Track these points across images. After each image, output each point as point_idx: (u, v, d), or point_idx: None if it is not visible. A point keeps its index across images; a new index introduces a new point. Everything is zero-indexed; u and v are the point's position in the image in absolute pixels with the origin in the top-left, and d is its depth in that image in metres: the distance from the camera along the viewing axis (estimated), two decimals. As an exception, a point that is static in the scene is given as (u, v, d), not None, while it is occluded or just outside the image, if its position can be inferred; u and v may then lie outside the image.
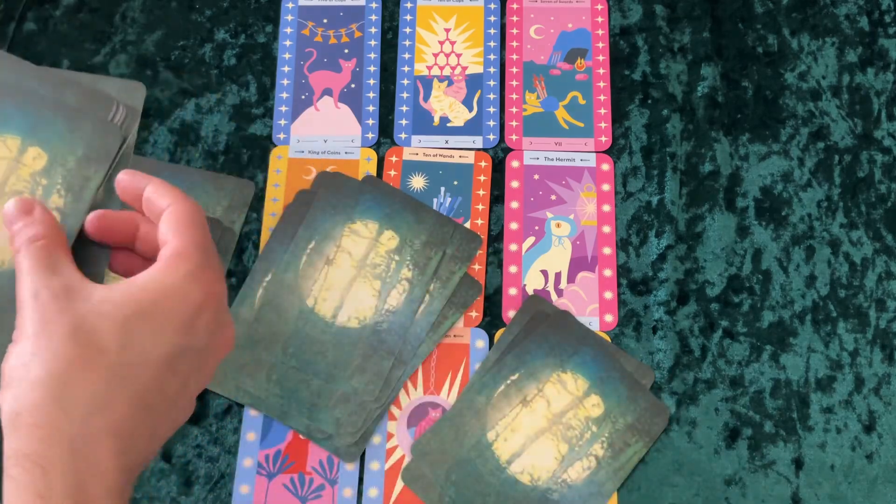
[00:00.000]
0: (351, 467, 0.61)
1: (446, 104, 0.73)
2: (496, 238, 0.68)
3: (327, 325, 0.63)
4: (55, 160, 0.48)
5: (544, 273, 0.67)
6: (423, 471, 0.60)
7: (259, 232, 0.68)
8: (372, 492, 0.61)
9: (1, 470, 0.35)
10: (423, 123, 0.72)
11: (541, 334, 0.63)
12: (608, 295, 0.66)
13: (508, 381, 0.62)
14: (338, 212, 0.66)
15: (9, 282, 0.46)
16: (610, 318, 0.66)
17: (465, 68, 0.74)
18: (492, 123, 0.72)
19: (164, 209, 0.41)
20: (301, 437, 0.62)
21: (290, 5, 0.76)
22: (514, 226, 0.68)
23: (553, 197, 0.69)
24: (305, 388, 0.62)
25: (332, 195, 0.67)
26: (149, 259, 0.42)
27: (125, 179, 0.42)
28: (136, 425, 0.37)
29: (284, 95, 0.73)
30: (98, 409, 0.36)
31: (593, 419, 0.61)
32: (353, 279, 0.65)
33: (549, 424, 0.61)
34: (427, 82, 0.73)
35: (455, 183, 0.69)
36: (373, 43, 0.75)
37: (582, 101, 0.72)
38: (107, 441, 0.36)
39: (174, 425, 0.40)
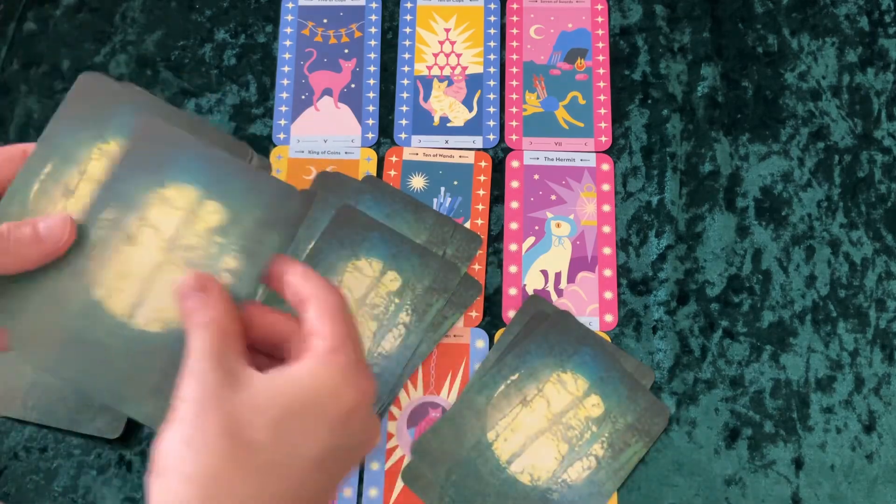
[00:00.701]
0: (351, 467, 0.61)
1: (446, 104, 0.73)
2: (496, 238, 0.68)
3: None
4: (234, 219, 0.44)
5: (544, 273, 0.67)
6: (423, 471, 0.60)
7: (259, 232, 0.68)
8: (372, 492, 0.61)
9: None
10: (423, 123, 0.72)
11: (541, 334, 0.64)
12: (608, 295, 0.66)
13: (508, 381, 0.62)
14: (344, 247, 0.65)
15: (176, 344, 0.42)
16: (610, 318, 0.66)
17: (465, 68, 0.74)
18: (492, 123, 0.72)
19: (309, 297, 0.39)
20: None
21: (290, 5, 0.76)
22: (514, 226, 0.68)
23: (553, 197, 0.69)
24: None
25: (335, 200, 0.67)
26: (259, 351, 0.40)
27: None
28: None
29: (284, 95, 0.73)
30: None
31: (593, 419, 0.61)
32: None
33: (550, 424, 0.61)
34: (427, 82, 0.73)
35: (455, 183, 0.69)
36: (373, 43, 0.75)
37: (582, 101, 0.72)
38: None
39: None
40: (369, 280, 0.65)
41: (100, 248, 0.44)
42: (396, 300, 0.64)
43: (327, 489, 0.38)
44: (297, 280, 0.40)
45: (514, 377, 0.62)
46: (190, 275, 0.39)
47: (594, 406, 0.62)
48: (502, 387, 0.62)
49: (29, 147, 0.47)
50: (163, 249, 0.45)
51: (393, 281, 0.65)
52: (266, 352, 0.40)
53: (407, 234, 0.66)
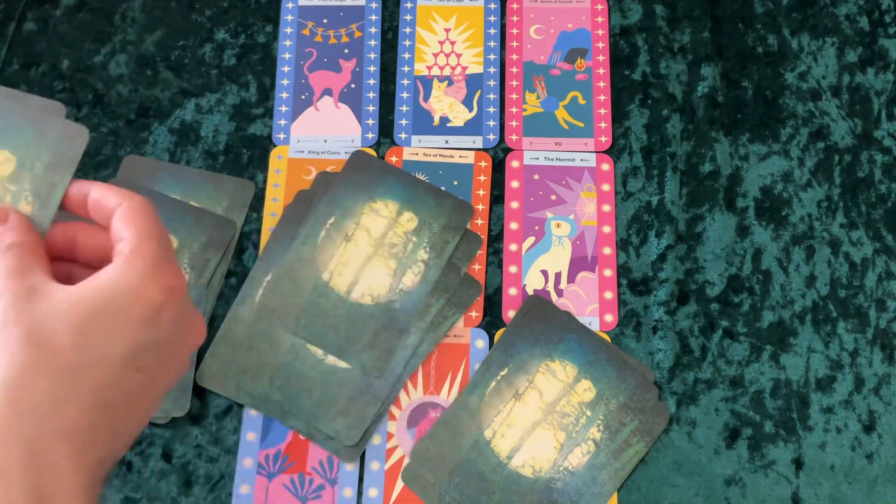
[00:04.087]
0: (351, 467, 0.61)
1: (446, 104, 0.73)
2: (496, 238, 0.68)
3: (341, 299, 0.64)
4: (23, 166, 0.48)
5: (544, 273, 0.67)
6: (424, 474, 0.60)
7: (259, 232, 0.68)
8: (372, 492, 0.61)
9: None
10: (423, 123, 0.72)
11: (524, 326, 0.64)
12: (608, 295, 0.66)
13: (499, 378, 0.62)
14: (360, 189, 0.67)
15: (385, 313, 0.56)
16: (610, 318, 0.66)
17: (465, 68, 0.74)
18: (492, 123, 0.72)
19: (114, 208, 0.41)
20: (301, 437, 0.62)
21: (290, 5, 0.76)
22: (514, 226, 0.68)
23: (553, 197, 0.69)
24: (307, 397, 0.62)
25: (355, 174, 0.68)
26: (94, 267, 0.42)
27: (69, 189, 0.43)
28: (94, 425, 0.37)
29: (284, 95, 0.73)
30: (52, 410, 0.36)
31: (586, 403, 0.61)
32: (370, 257, 0.65)
33: (544, 415, 0.61)
34: (427, 82, 0.73)
35: (455, 183, 0.69)
36: (373, 43, 0.75)
37: (582, 101, 0.72)
38: (63, 442, 0.36)
39: (143, 420, 0.40)
40: (386, 220, 0.66)
41: None
42: (414, 238, 0.65)
43: (146, 388, 0.40)
44: (99, 193, 0.42)
45: (503, 372, 0.62)
46: None
47: (586, 391, 0.62)
48: (493, 383, 0.62)
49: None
50: (372, 245, 0.62)
51: (409, 221, 0.66)
52: (98, 267, 0.41)
53: (426, 216, 0.67)
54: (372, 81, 0.73)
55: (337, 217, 0.66)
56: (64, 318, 0.37)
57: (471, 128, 0.72)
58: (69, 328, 0.37)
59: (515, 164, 0.70)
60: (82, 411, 0.37)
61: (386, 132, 0.72)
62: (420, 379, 0.64)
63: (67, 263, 0.44)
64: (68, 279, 0.42)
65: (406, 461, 0.61)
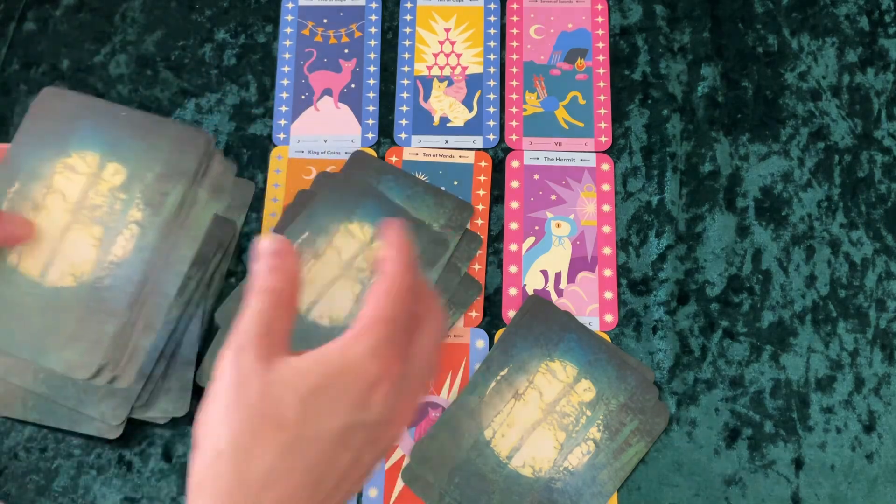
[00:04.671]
0: (351, 467, 0.61)
1: (446, 104, 0.73)
2: (496, 238, 0.68)
3: (307, 322, 0.64)
4: (134, 176, 0.49)
5: (544, 273, 0.67)
6: (424, 474, 0.60)
7: (259, 232, 0.68)
8: (372, 492, 0.61)
9: None
10: (423, 123, 0.72)
11: (524, 326, 0.64)
12: (608, 295, 0.66)
13: (499, 378, 0.62)
14: (338, 210, 0.66)
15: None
16: (610, 318, 0.66)
17: (465, 68, 0.74)
18: (492, 123, 0.72)
19: (378, 265, 0.40)
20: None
21: (290, 5, 0.76)
22: (514, 226, 0.68)
23: (553, 197, 0.69)
24: None
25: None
26: None
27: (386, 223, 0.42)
28: (306, 499, 0.37)
29: (284, 95, 0.73)
30: (272, 483, 0.36)
31: (586, 403, 0.62)
32: (336, 279, 0.65)
33: (544, 415, 0.61)
34: (427, 82, 0.73)
35: (455, 183, 0.69)
36: (373, 43, 0.75)
37: (582, 101, 0.72)
38: None
39: (345, 498, 0.39)
40: (358, 243, 0.65)
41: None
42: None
43: (352, 467, 0.39)
44: (384, 242, 0.41)
45: (503, 372, 0.62)
46: (267, 238, 0.40)
47: (586, 391, 0.62)
48: (493, 383, 0.62)
49: (3, 147, 0.51)
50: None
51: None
52: None
53: (426, 216, 0.66)
54: (372, 81, 0.73)
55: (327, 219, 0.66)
56: (292, 389, 0.36)
57: (471, 128, 0.72)
58: (295, 401, 0.36)
59: (515, 164, 0.70)
60: (298, 486, 0.36)
61: (386, 132, 0.72)
62: (420, 379, 0.64)
63: None
64: None
65: (406, 461, 0.61)
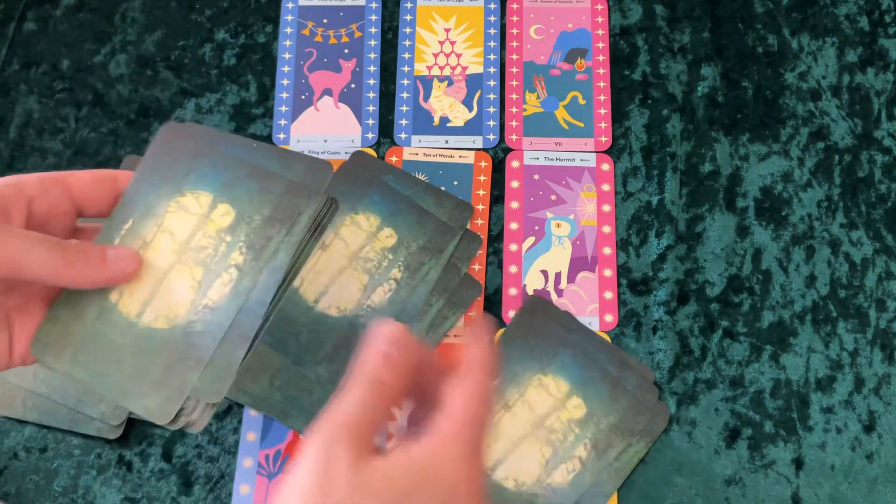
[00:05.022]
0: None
1: (446, 104, 0.73)
2: (496, 238, 0.68)
3: (308, 307, 0.63)
4: (241, 218, 0.48)
5: (544, 273, 0.67)
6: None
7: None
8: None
9: None
10: (423, 123, 0.72)
11: (520, 338, 0.63)
12: (608, 295, 0.66)
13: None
14: (344, 201, 0.66)
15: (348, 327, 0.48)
16: (610, 318, 0.66)
17: (465, 68, 0.74)
18: (492, 123, 0.72)
19: (460, 363, 0.39)
20: (301, 437, 0.62)
21: (290, 5, 0.76)
22: (514, 226, 0.68)
23: (553, 197, 0.69)
24: (307, 397, 0.62)
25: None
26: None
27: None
28: None
29: (284, 95, 0.73)
30: None
31: (576, 421, 0.61)
32: (343, 269, 0.65)
33: (532, 429, 0.61)
34: (427, 82, 0.73)
35: (455, 183, 0.69)
36: (373, 43, 0.75)
37: (582, 101, 0.72)
38: None
39: None
40: (365, 234, 0.65)
41: None
42: (390, 256, 0.65)
43: None
44: (473, 337, 0.40)
45: (495, 383, 0.62)
46: (389, 324, 0.38)
47: (576, 408, 0.62)
48: None
49: (119, 175, 0.50)
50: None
51: (389, 237, 0.65)
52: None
53: (406, 235, 0.66)
54: (372, 81, 0.73)
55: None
56: (377, 497, 0.35)
57: (471, 128, 0.72)
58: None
59: (515, 164, 0.70)
60: None
61: (386, 132, 0.72)
62: (420, 379, 0.64)
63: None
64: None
65: None
